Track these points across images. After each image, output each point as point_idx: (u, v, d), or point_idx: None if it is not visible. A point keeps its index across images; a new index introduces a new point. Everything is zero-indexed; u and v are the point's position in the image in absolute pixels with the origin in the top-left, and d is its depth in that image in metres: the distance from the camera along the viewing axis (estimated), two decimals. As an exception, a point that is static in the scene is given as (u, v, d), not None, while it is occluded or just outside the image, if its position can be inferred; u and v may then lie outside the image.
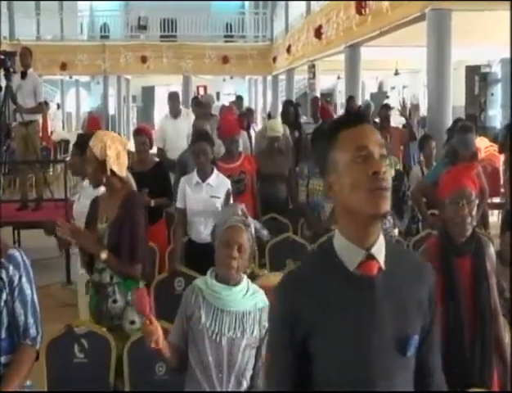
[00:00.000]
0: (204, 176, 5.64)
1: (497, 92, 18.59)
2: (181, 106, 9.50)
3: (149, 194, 6.20)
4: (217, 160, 6.57)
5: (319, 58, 17.38)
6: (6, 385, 2.86)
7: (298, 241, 6.24)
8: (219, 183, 5.68)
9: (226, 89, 32.85)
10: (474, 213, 3.35)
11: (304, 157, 7.19)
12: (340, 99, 28.43)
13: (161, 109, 32.26)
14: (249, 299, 3.10)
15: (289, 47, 20.38)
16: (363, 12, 12.06)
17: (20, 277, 2.92)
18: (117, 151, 4.01)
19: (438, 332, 2.06)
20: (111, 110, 28.44)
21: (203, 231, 5.69)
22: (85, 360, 3.83)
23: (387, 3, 10.81)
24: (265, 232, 6.27)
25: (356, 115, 1.97)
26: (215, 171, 5.73)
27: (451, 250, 3.38)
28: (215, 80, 30.09)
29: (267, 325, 3.06)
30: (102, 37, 27.31)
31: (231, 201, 5.59)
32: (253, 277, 4.30)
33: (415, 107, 20.26)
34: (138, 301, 2.83)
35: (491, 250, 3.48)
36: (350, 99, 11.91)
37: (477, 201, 3.39)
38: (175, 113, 8.97)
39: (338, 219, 1.94)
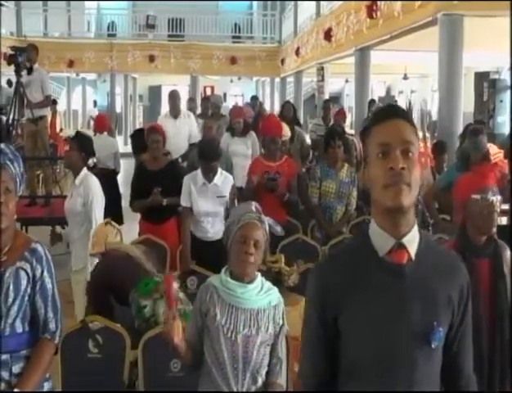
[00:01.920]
0: (209, 177, 5.66)
1: (506, 98, 18.51)
2: (182, 106, 9.43)
3: (161, 193, 6.23)
4: (258, 155, 6.61)
5: (328, 61, 17.36)
6: (27, 378, 2.87)
7: (308, 243, 6.25)
8: (224, 182, 5.73)
9: (233, 90, 32.90)
10: (499, 210, 3.38)
11: (317, 159, 7.19)
12: (348, 102, 28.45)
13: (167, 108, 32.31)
14: (263, 296, 3.11)
15: (298, 49, 20.36)
16: (374, 16, 12.04)
17: (42, 272, 2.93)
18: None
19: (470, 336, 2.10)
20: (118, 109, 28.48)
21: (209, 230, 5.73)
22: (99, 356, 3.85)
23: (398, 7, 10.79)
24: (279, 229, 6.29)
25: (387, 111, 2.03)
26: (219, 169, 5.75)
27: (471, 252, 3.38)
28: (222, 81, 30.14)
29: (281, 322, 3.11)
30: (109, 35, 27.33)
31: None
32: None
33: (427, 113, 20.22)
34: (167, 289, 2.83)
35: (508, 254, 3.50)
36: (371, 102, 12.03)
37: (500, 198, 3.41)
38: (175, 113, 8.82)
39: (372, 208, 2.05)
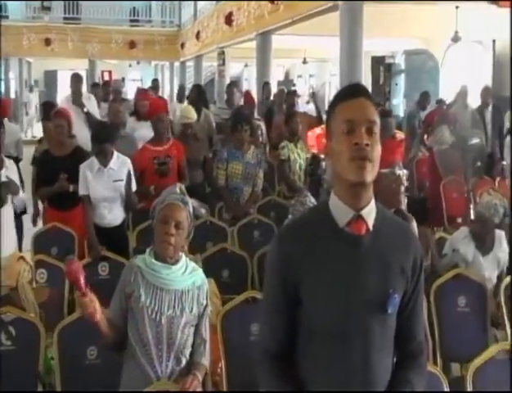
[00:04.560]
0: (105, 161, 5.59)
1: (401, 82, 19.15)
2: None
3: (68, 179, 6.10)
4: (145, 142, 6.57)
5: (229, 45, 17.37)
6: None
7: (217, 225, 6.26)
8: (120, 165, 5.65)
9: (131, 75, 32.39)
10: (405, 184, 3.51)
11: (223, 141, 7.23)
12: (247, 86, 28.52)
13: (64, 93, 31.45)
14: (187, 277, 3.15)
15: (199, 33, 20.27)
16: (275, 1, 12.15)
17: None
18: None
19: (422, 306, 2.23)
20: (12, 95, 27.50)
21: (107, 215, 5.66)
22: (12, 347, 3.74)
23: (299, -9, 10.91)
24: (203, 211, 6.32)
25: (352, 90, 2.10)
26: (115, 153, 5.69)
27: None
28: (120, 65, 29.62)
29: (204, 302, 3.15)
30: (1, 17, 26.32)
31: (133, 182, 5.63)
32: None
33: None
34: (71, 273, 2.78)
35: (414, 224, 3.65)
36: (266, 85, 12.14)
37: (406, 173, 3.54)
38: (76, 96, 8.64)
39: (333, 182, 2.15)
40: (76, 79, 8.74)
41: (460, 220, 7.79)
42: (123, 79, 28.53)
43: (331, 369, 2.05)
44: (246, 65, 28.04)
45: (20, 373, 3.69)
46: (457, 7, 11.09)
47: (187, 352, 3.14)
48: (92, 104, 8.78)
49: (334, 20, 10.31)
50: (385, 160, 3.51)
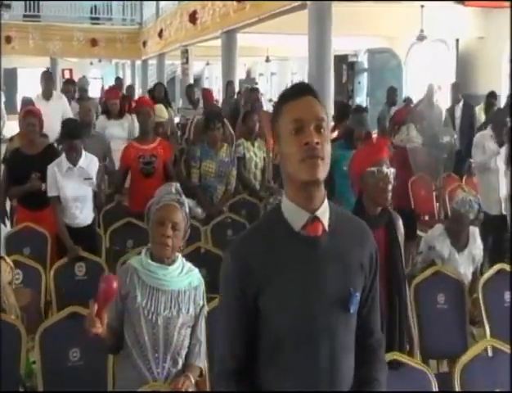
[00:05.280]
0: (74, 160, 5.51)
1: (363, 80, 19.30)
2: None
3: (40, 178, 6.01)
4: (131, 140, 6.50)
5: (193, 43, 17.34)
6: None
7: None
8: (89, 163, 5.58)
9: (92, 73, 32.06)
10: (392, 182, 3.51)
11: (197, 139, 7.21)
12: (207, 85, 28.46)
13: (24, 93, 31.06)
14: (184, 278, 3.13)
15: (161, 31, 20.18)
16: (241, 0, 12.16)
17: None
18: None
19: (377, 294, 2.21)
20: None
21: (78, 215, 5.59)
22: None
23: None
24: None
25: (298, 89, 2.05)
26: (83, 152, 5.60)
27: (368, 222, 3.50)
28: (81, 63, 29.27)
29: (201, 303, 3.12)
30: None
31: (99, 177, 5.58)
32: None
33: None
34: (107, 289, 2.62)
35: (400, 223, 3.66)
36: (229, 83, 12.11)
37: (393, 171, 3.55)
38: (48, 94, 8.57)
39: (284, 184, 2.08)
40: (47, 77, 8.64)
41: (427, 218, 7.88)
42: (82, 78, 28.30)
43: (299, 375, 2.02)
44: (208, 64, 27.99)
45: (2, 376, 3.61)
46: (422, 6, 11.22)
47: (184, 353, 3.12)
48: (64, 103, 8.67)
49: (299, 18, 10.39)
50: (372, 157, 3.56)
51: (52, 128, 7.86)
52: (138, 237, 5.85)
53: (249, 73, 29.69)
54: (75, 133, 5.58)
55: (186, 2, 17.36)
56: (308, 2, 9.37)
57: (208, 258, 5.42)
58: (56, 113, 8.36)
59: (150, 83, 24.51)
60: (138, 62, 26.49)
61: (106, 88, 27.05)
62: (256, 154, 7.43)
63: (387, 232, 3.56)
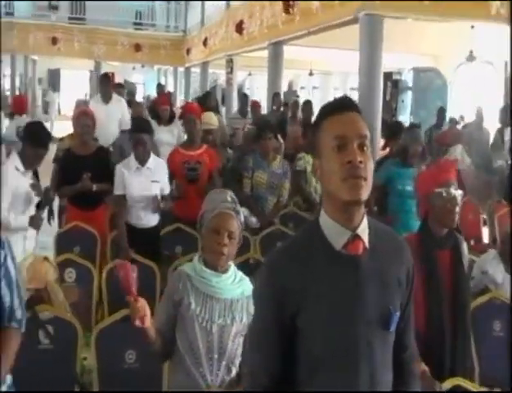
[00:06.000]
0: (142, 159, 5.57)
1: (407, 99, 19.18)
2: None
3: (90, 179, 6.07)
4: (177, 145, 6.52)
5: (238, 53, 17.35)
6: None
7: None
8: (157, 166, 5.65)
9: (134, 78, 32.35)
10: (460, 204, 3.48)
11: (249, 150, 7.20)
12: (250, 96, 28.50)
13: (66, 92, 31.48)
14: (236, 286, 3.10)
15: (206, 40, 20.22)
16: (290, 11, 12.12)
17: (6, 257, 2.77)
18: None
19: (412, 308, 2.17)
20: (16, 92, 27.40)
21: (143, 216, 5.62)
22: (51, 346, 3.70)
23: (317, 4, 10.89)
24: (253, 220, 6.28)
25: (341, 103, 2.01)
26: (152, 155, 5.69)
27: (434, 243, 3.49)
28: (123, 67, 29.54)
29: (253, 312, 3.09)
30: (7, 14, 26.21)
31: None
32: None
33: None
34: (124, 277, 2.73)
35: (465, 246, 3.63)
36: (276, 95, 12.08)
37: (461, 193, 3.52)
38: (107, 97, 8.66)
39: (323, 201, 2.03)
40: (106, 80, 8.73)
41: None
42: (125, 82, 28.55)
43: None
44: (250, 74, 28.03)
45: (58, 373, 3.66)
46: (473, 27, 11.11)
47: (237, 362, 3.09)
48: (122, 107, 8.73)
49: (345, 32, 10.37)
50: (439, 178, 3.52)
51: (109, 132, 7.93)
52: (187, 242, 5.89)
53: (290, 85, 29.72)
54: (143, 127, 5.69)
55: (232, 11, 17.40)
56: (360, 16, 9.32)
57: (257, 269, 5.40)
58: (114, 116, 8.46)
59: (191, 91, 24.74)
60: (180, 69, 26.61)
61: (149, 93, 27.37)
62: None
63: (452, 254, 3.55)
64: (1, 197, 4.78)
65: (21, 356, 3.58)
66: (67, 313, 3.85)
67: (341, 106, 1.98)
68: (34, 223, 5.01)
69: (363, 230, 1.98)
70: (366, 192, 1.91)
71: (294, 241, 2.12)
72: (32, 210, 5.10)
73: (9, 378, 2.89)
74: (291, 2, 12.12)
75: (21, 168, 4.99)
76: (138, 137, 5.57)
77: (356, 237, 1.96)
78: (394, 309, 2.01)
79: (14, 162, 5.01)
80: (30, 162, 5.04)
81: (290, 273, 1.97)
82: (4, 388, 2.81)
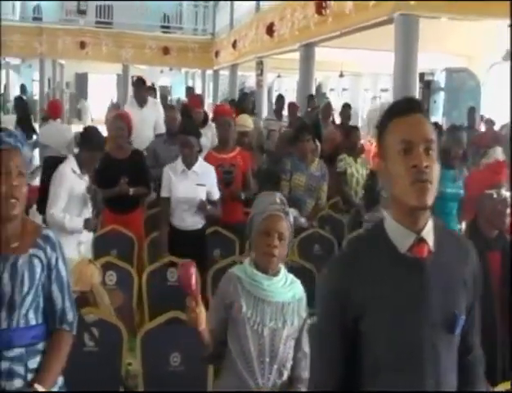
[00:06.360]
0: (188, 162, 5.55)
1: (439, 100, 19.04)
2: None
3: (127, 183, 6.07)
4: (210, 149, 6.49)
5: (268, 55, 17.31)
6: (48, 374, 2.71)
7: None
8: (204, 171, 5.64)
9: (161, 81, 32.48)
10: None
11: (285, 152, 7.15)
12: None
13: (93, 96, 31.70)
14: (287, 289, 3.07)
15: (235, 42, 20.20)
16: (323, 13, 12.05)
17: (57, 259, 2.77)
18: None
19: (479, 311, 2.14)
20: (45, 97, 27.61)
21: (187, 218, 5.60)
22: (96, 349, 3.69)
23: (350, 5, 10.81)
24: (303, 220, 6.26)
25: (407, 105, 1.98)
26: (199, 159, 5.66)
27: (484, 245, 3.43)
28: (151, 71, 29.64)
29: (304, 315, 3.05)
30: (35, 19, 26.43)
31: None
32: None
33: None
34: (185, 276, 2.67)
35: None
36: (311, 97, 12.02)
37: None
38: (142, 101, 8.68)
39: (389, 203, 2.01)
40: (140, 84, 8.74)
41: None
42: (153, 85, 28.64)
43: None
44: (279, 76, 27.98)
45: (103, 375, 3.65)
46: (510, 25, 10.93)
47: (289, 365, 3.07)
48: (158, 110, 8.73)
49: (377, 33, 10.28)
50: (490, 180, 3.46)
51: (144, 135, 7.92)
52: (225, 246, 5.87)
53: (319, 87, 29.64)
54: (190, 129, 5.70)
55: (262, 13, 17.36)
56: (395, 16, 9.22)
57: (294, 271, 5.34)
58: (149, 120, 8.47)
59: (220, 94, 24.76)
60: (209, 72, 26.63)
61: (178, 96, 27.40)
62: (358, 171, 7.35)
63: (503, 256, 3.48)
64: (57, 198, 4.87)
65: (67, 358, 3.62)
66: (112, 316, 3.82)
67: (407, 107, 1.97)
68: (88, 225, 5.05)
69: (428, 233, 1.97)
70: (431, 197, 1.90)
71: (356, 243, 2.14)
72: (87, 213, 5.16)
73: (60, 379, 2.88)
74: (324, 3, 12.05)
75: (78, 170, 5.07)
76: (185, 140, 5.55)
77: (421, 240, 1.95)
78: (459, 312, 1.99)
79: (70, 164, 5.10)
80: (87, 165, 5.21)
81: (353, 275, 1.97)
82: (56, 388, 2.80)
